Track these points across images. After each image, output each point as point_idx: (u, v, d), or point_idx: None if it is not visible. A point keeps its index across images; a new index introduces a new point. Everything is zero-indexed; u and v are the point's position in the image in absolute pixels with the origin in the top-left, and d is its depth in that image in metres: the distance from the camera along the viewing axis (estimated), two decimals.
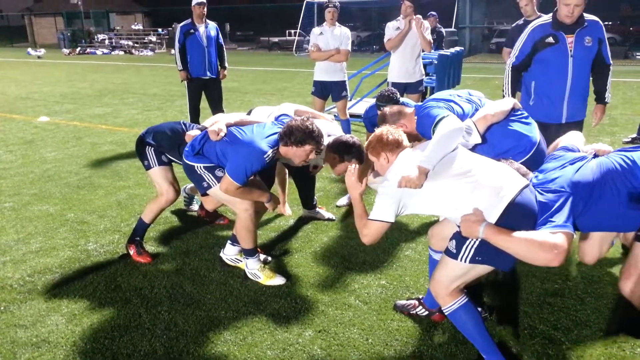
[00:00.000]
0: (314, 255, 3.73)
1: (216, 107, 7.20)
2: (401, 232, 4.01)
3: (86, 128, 8.47)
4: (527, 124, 2.97)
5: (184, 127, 3.62)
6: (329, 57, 6.19)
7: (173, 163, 3.68)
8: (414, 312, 2.93)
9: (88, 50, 29.10)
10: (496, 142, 2.83)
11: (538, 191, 2.32)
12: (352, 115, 7.17)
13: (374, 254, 3.71)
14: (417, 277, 3.39)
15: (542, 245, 2.04)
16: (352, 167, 2.61)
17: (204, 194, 3.38)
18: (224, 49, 7.16)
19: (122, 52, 28.87)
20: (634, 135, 6.85)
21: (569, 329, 2.78)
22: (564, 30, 3.78)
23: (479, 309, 2.86)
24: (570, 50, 3.82)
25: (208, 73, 6.86)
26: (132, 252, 3.70)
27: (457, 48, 9.02)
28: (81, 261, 3.71)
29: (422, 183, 2.34)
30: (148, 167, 3.64)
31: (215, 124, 3.21)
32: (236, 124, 3.29)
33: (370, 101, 9.07)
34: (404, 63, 6.14)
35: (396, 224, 4.06)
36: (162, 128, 3.67)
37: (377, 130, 2.64)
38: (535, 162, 2.71)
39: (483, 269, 2.36)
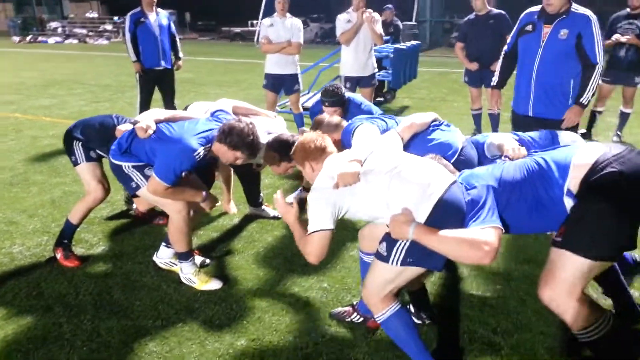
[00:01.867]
0: (255, 257, 3.57)
1: (169, 99, 6.95)
2: (347, 231, 3.89)
3: (28, 120, 8.02)
4: (448, 131, 3.01)
5: (115, 121, 3.40)
6: (280, 49, 6.02)
7: (103, 159, 3.45)
8: (349, 319, 2.81)
9: (40, 38, 27.85)
10: (417, 151, 2.73)
11: (464, 187, 2.26)
12: (306, 109, 7.02)
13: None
14: (360, 278, 3.27)
15: (472, 243, 1.98)
16: (278, 194, 2.48)
17: (134, 195, 3.18)
18: (177, 38, 6.89)
19: (76, 41, 27.75)
20: (583, 131, 6.94)
21: (509, 332, 2.72)
22: (545, 19, 3.68)
23: (422, 314, 2.78)
24: (543, 41, 3.72)
25: (162, 63, 6.59)
26: (59, 255, 3.45)
27: (414, 42, 8.98)
28: (3, 265, 3.44)
29: (357, 175, 2.24)
30: (75, 163, 3.40)
31: (144, 120, 3.01)
32: (167, 119, 3.09)
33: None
34: (356, 56, 6.02)
35: (341, 223, 3.98)
36: (91, 122, 3.44)
37: (300, 139, 2.56)
38: (459, 168, 2.64)
39: (416, 271, 2.28)
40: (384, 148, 2.57)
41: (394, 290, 2.31)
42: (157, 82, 6.78)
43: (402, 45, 8.12)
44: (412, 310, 2.81)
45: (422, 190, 2.13)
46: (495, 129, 6.52)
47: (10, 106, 9.20)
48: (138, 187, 3.04)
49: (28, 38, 27.42)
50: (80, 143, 3.35)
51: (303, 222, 2.39)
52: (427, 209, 2.10)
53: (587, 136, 6.67)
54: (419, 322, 2.77)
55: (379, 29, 5.96)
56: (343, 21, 5.95)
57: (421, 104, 9.23)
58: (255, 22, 28.44)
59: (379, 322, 2.35)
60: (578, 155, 2.15)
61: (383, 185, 2.21)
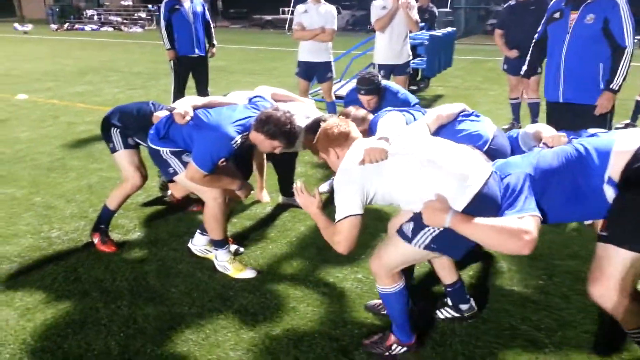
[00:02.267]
0: (289, 246, 3.54)
1: (203, 87, 6.97)
2: (381, 222, 3.81)
3: (64, 107, 8.18)
4: (477, 121, 2.90)
5: (152, 107, 3.39)
6: (313, 36, 5.93)
7: (141, 146, 3.46)
8: (385, 312, 2.75)
9: (77, 26, 28.43)
10: None
11: (499, 176, 2.16)
12: (339, 97, 6.94)
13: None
14: None
15: (511, 232, 1.89)
16: (298, 184, 2.43)
17: (171, 181, 3.18)
18: (212, 25, 6.88)
19: (111, 29, 28.22)
20: (627, 122, 6.67)
21: (552, 329, 2.61)
22: (572, 5, 3.66)
23: (461, 307, 2.69)
24: (570, 27, 3.68)
25: (196, 51, 6.59)
26: (96, 240, 3.49)
27: (450, 29, 8.76)
28: (42, 249, 3.50)
29: (385, 152, 2.18)
30: (113, 150, 3.41)
31: (182, 106, 2.99)
32: (204, 105, 3.05)
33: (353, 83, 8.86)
34: (390, 44, 5.88)
35: (375, 213, 3.92)
36: (128, 108, 3.44)
37: (323, 125, 2.49)
38: (491, 158, 2.54)
39: (433, 256, 2.26)
40: (412, 133, 2.52)
41: (402, 267, 2.31)
42: (191, 70, 6.80)
43: (438, 33, 7.92)
44: (450, 303, 2.73)
45: (459, 182, 2.05)
46: (534, 118, 6.31)
47: (48, 92, 9.39)
48: (175, 172, 3.02)
49: (65, 26, 28.02)
50: (118, 130, 3.36)
51: (329, 213, 2.35)
52: (463, 202, 2.02)
53: (631, 126, 6.41)
54: (458, 315, 2.69)
55: (415, 15, 5.81)
56: (378, 7, 5.82)
57: (455, 93, 9.03)
58: (286, 9, 28.38)
59: (380, 292, 2.37)
60: (619, 141, 2.03)
61: (414, 168, 2.13)
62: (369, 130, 2.99)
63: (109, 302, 2.88)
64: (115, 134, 3.37)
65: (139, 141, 3.41)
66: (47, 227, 3.83)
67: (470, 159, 2.18)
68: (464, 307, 2.71)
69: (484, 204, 2.03)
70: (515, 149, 2.79)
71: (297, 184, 2.43)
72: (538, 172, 2.12)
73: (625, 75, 3.62)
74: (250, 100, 3.15)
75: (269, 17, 30.11)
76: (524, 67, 4.36)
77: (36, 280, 3.11)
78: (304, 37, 5.98)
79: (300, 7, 6.02)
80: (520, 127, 6.60)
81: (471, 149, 2.37)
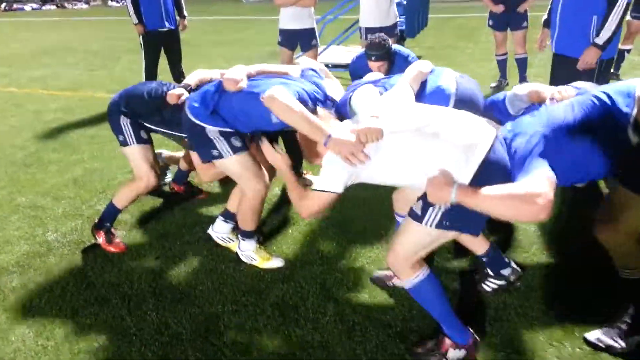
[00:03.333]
0: (310, 229, 3.35)
1: (176, 63, 6.56)
2: None
3: (26, 94, 7.60)
4: (437, 74, 2.79)
5: (164, 88, 3.04)
6: (295, 2, 5.60)
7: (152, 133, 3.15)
8: (390, 283, 2.67)
9: (15, 6, 26.65)
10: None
11: (509, 138, 2.03)
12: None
13: (371, 218, 3.37)
14: None
15: (523, 197, 1.72)
16: (264, 141, 2.35)
17: (206, 162, 2.78)
18: None
19: (53, 7, 26.62)
20: (612, 71, 6.67)
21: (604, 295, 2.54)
22: None
23: (503, 272, 2.58)
24: None
25: (166, 24, 6.16)
26: (100, 240, 3.21)
27: None
28: (42, 255, 3.20)
29: (382, 131, 2.03)
30: (124, 144, 3.05)
31: (232, 72, 2.61)
32: (257, 73, 2.74)
33: (340, 48, 8.58)
34: (377, 5, 5.62)
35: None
36: (137, 91, 3.07)
37: None
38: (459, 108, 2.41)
39: (451, 236, 2.11)
40: (400, 102, 2.35)
41: (423, 256, 2.14)
42: (162, 45, 6.38)
43: None
44: (491, 272, 2.62)
45: (465, 152, 1.92)
46: (522, 74, 6.24)
47: (3, 79, 8.72)
48: (220, 156, 2.64)
49: (3, 6, 26.22)
50: (128, 120, 3.01)
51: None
52: (470, 172, 1.90)
53: (614, 76, 6.41)
54: (503, 282, 2.59)
55: None
56: None
57: (433, 53, 8.86)
58: None
59: (407, 288, 2.19)
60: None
61: (415, 144, 1.99)
62: (338, 112, 2.67)
63: (133, 308, 2.65)
64: (126, 125, 3.02)
65: (151, 127, 3.08)
66: (41, 230, 3.51)
67: (472, 125, 2.05)
68: (506, 271, 2.60)
69: (492, 172, 1.91)
70: (502, 113, 2.54)
71: (264, 141, 2.35)
72: (552, 130, 1.96)
73: (614, 31, 3.47)
74: (302, 73, 2.83)
75: None
76: (544, 16, 4.24)
77: (44, 291, 2.83)
78: (285, 3, 5.64)
79: None
80: (507, 84, 6.54)
81: (470, 114, 2.19)
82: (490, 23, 6.28)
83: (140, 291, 2.78)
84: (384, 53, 3.51)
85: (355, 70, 3.80)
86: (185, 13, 6.61)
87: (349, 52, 8.34)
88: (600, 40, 3.49)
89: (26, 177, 4.44)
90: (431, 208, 2.01)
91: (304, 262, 2.97)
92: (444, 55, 8.60)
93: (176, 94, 2.87)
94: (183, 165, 3.80)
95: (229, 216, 3.05)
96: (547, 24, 4.20)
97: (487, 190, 1.78)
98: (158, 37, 6.25)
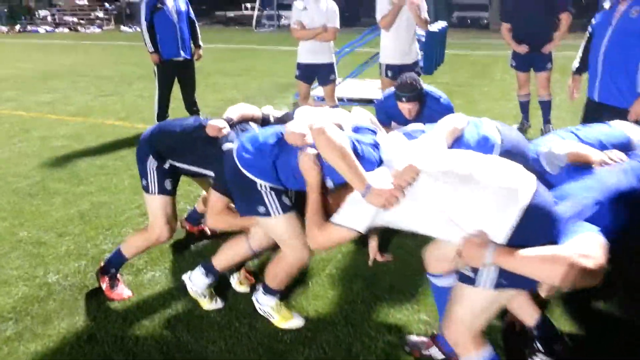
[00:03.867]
0: (331, 281, 3.10)
1: (190, 92, 6.46)
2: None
3: (33, 119, 7.45)
4: (476, 125, 2.61)
5: (202, 121, 2.78)
6: (314, 36, 5.48)
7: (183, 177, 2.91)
8: (427, 352, 2.41)
9: (29, 27, 26.93)
10: None
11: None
12: (340, 100, 6.53)
13: (401, 275, 3.12)
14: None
15: (570, 260, 1.55)
16: (307, 150, 2.13)
17: (245, 216, 2.51)
18: (197, 24, 6.37)
19: (67, 30, 26.82)
20: None
21: None
22: None
23: (555, 348, 2.33)
24: (615, 19, 3.41)
25: (182, 53, 6.07)
26: (104, 286, 2.96)
27: (441, 22, 8.43)
28: (41, 300, 2.95)
29: (417, 172, 1.87)
30: (146, 189, 2.77)
31: (296, 123, 2.30)
32: None
33: (356, 82, 8.46)
34: (399, 41, 5.47)
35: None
36: (170, 126, 2.83)
37: None
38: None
39: (511, 296, 1.91)
40: (434, 145, 2.20)
41: (484, 326, 1.90)
42: (177, 74, 6.28)
43: (434, 27, 7.57)
44: (540, 347, 2.36)
45: (504, 196, 1.73)
46: (546, 117, 6.05)
47: (11, 103, 8.59)
48: (267, 214, 2.35)
49: (17, 27, 26.49)
50: (156, 164, 2.72)
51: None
52: (511, 220, 1.70)
53: None
54: (551, 358, 2.33)
55: (425, 13, 5.40)
56: (386, 2, 5.39)
57: (449, 90, 8.67)
58: (249, 5, 27.69)
59: None
60: None
61: (448, 185, 1.82)
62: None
63: None
64: (152, 170, 2.73)
65: (185, 167, 2.76)
66: (42, 270, 3.27)
67: (512, 169, 1.87)
68: (557, 346, 2.34)
69: (537, 219, 1.72)
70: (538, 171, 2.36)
71: (307, 149, 2.12)
72: (605, 197, 1.81)
73: None
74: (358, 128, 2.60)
75: (232, 14, 29.35)
76: (575, 64, 4.03)
77: (41, 344, 2.58)
78: (304, 36, 5.52)
79: (298, 4, 5.54)
80: (530, 126, 6.34)
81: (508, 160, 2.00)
82: (514, 64, 6.11)
83: (146, 348, 2.53)
84: (415, 94, 3.33)
85: (383, 110, 3.62)
86: (201, 42, 6.52)
87: (365, 87, 8.23)
88: None
89: (30, 209, 4.22)
90: (485, 268, 1.79)
91: (327, 323, 2.71)
92: (460, 93, 8.45)
93: (218, 126, 2.63)
94: (200, 207, 3.56)
95: (211, 270, 2.75)
96: (580, 71, 4.02)
97: (526, 250, 1.61)
98: (173, 67, 6.16)
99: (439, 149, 2.20)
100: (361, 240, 3.61)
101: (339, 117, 2.36)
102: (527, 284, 1.84)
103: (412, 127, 2.64)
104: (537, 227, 1.72)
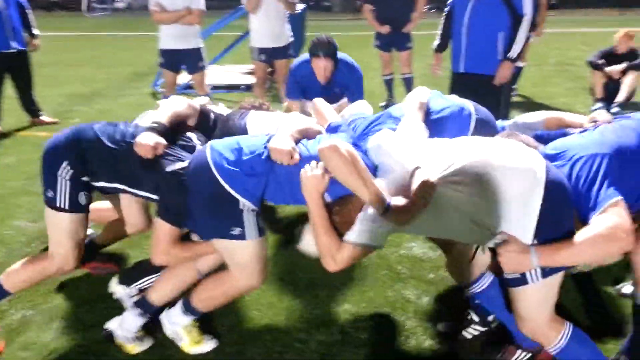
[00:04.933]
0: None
1: (25, 89, 5.60)
2: None
3: None
4: (444, 97, 2.56)
5: (131, 130, 2.27)
6: (177, 19, 5.06)
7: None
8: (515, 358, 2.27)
9: None
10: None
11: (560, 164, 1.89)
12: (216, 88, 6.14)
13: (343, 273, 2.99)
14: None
15: (607, 237, 1.67)
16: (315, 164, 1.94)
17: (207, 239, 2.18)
18: (28, 11, 5.53)
19: None
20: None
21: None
22: None
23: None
24: None
25: (13, 44, 5.20)
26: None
27: (300, 6, 8.35)
28: None
29: (435, 184, 1.76)
30: (51, 203, 2.22)
31: (280, 138, 2.07)
32: (303, 134, 2.22)
33: (219, 68, 8.00)
34: (269, 24, 5.25)
35: None
36: (91, 132, 2.24)
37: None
38: (481, 132, 2.30)
39: (560, 277, 1.89)
40: (436, 143, 2.04)
41: (553, 308, 1.92)
42: (7, 69, 5.41)
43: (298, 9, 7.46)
44: (474, 318, 2.40)
45: (525, 178, 1.74)
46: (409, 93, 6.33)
47: None
48: (241, 237, 2.06)
49: None
50: (71, 172, 2.19)
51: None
52: (538, 200, 1.71)
53: (513, 90, 6.63)
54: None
55: None
56: None
57: None
58: None
59: (555, 353, 1.92)
60: None
61: (468, 191, 1.77)
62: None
63: None
64: (64, 179, 2.19)
65: (113, 186, 2.26)
66: None
67: (518, 149, 1.86)
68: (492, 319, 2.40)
69: (558, 198, 1.74)
70: None
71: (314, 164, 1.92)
72: (614, 152, 1.84)
73: (524, 44, 3.73)
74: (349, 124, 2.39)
75: None
76: (436, 42, 4.24)
77: None
78: (165, 20, 5.09)
79: None
80: (394, 104, 6.58)
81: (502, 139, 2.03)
82: (377, 43, 6.30)
83: None
84: (332, 52, 3.47)
85: (295, 79, 3.69)
86: (36, 31, 5.68)
87: (228, 73, 7.90)
88: (513, 53, 3.67)
89: None
90: None
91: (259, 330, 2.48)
92: None
93: (149, 144, 2.11)
94: (103, 237, 2.90)
95: (146, 307, 2.34)
96: (441, 47, 4.25)
97: (567, 244, 1.68)
98: (3, 60, 5.27)
99: (439, 142, 2.01)
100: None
101: (311, 120, 2.23)
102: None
103: (349, 110, 2.54)
104: (559, 201, 1.73)
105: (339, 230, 1.88)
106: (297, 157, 2.02)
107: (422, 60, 7.44)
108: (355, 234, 1.81)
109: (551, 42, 10.35)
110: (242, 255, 2.12)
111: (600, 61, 6.33)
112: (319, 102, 2.65)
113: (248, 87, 6.85)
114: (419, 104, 2.35)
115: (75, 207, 2.23)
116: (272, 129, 2.32)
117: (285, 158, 1.99)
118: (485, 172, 1.75)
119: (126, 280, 2.53)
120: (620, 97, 6.06)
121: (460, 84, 3.86)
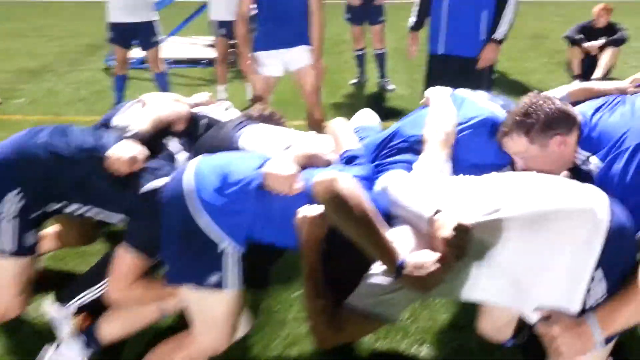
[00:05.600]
0: None
1: None
2: None
3: None
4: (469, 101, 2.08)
5: (102, 140, 1.88)
6: None
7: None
8: None
9: None
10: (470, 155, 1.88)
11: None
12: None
13: None
14: None
15: None
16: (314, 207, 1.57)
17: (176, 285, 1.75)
18: None
19: None
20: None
21: None
22: None
23: None
24: None
25: None
26: None
27: None
28: None
29: (470, 229, 1.39)
30: None
31: (282, 164, 1.67)
32: (309, 162, 1.80)
33: (180, 40, 7.45)
34: None
35: None
36: (35, 149, 1.81)
37: None
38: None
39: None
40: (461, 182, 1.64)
41: None
42: None
43: None
44: None
45: (583, 224, 1.39)
46: (382, 70, 6.01)
47: None
48: (219, 285, 1.67)
49: None
50: (20, 204, 1.78)
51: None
52: (596, 249, 1.38)
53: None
54: None
55: None
56: None
57: None
58: None
59: None
60: None
61: (508, 237, 1.40)
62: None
63: None
64: (8, 215, 1.79)
65: (78, 209, 1.86)
66: None
67: (571, 187, 1.52)
68: None
69: (620, 247, 1.43)
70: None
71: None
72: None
73: (511, 25, 3.48)
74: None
75: None
76: (411, 19, 3.90)
77: None
78: None
79: None
80: (367, 80, 6.24)
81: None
82: (348, 17, 5.91)
83: None
84: None
85: None
86: None
87: (192, 45, 7.39)
88: (499, 35, 3.45)
89: None
90: None
91: None
92: None
93: (125, 159, 1.75)
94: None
95: (93, 341, 1.97)
96: (417, 26, 3.90)
97: (624, 303, 1.37)
98: None
99: (466, 182, 1.61)
100: None
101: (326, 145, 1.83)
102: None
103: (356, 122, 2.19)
104: (621, 251, 1.42)
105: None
106: (298, 186, 1.64)
107: (395, 31, 7.09)
108: (357, 299, 1.46)
109: (525, 13, 10.08)
110: (216, 310, 1.72)
111: (578, 36, 6.11)
112: (337, 123, 2.10)
113: (210, 62, 6.38)
114: (444, 135, 1.82)
115: (21, 249, 1.84)
116: (269, 149, 1.92)
117: (284, 186, 1.62)
118: (546, 219, 1.40)
119: (63, 297, 2.16)
120: (598, 73, 5.86)
121: (439, 67, 3.63)
